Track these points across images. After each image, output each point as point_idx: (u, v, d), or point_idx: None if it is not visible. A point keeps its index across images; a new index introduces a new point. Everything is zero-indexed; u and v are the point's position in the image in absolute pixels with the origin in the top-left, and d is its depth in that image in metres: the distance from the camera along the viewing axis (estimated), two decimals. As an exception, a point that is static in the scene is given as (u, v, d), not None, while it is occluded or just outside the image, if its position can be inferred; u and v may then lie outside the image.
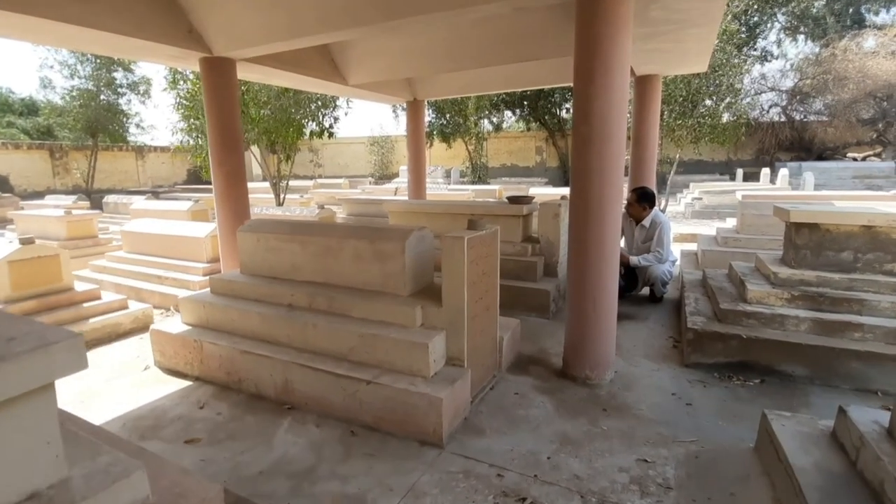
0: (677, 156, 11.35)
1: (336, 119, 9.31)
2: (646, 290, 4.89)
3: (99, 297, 4.29)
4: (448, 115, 19.39)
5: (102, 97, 15.28)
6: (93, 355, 3.80)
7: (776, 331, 3.12)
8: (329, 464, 2.33)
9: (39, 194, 14.09)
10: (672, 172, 11.44)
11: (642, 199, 4.69)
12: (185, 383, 3.25)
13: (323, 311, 3.05)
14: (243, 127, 8.32)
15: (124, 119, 16.40)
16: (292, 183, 17.96)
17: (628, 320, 4.25)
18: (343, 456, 2.39)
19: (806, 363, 2.96)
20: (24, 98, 20.33)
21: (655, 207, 4.74)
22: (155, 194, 13.78)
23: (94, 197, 13.74)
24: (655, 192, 5.04)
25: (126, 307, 4.36)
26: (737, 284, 3.68)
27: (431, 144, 20.23)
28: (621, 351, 3.56)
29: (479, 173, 20.17)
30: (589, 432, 2.52)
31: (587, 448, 2.38)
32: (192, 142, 9.17)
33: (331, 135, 9.39)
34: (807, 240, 3.39)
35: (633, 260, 4.64)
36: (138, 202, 9.95)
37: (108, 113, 15.42)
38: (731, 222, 7.38)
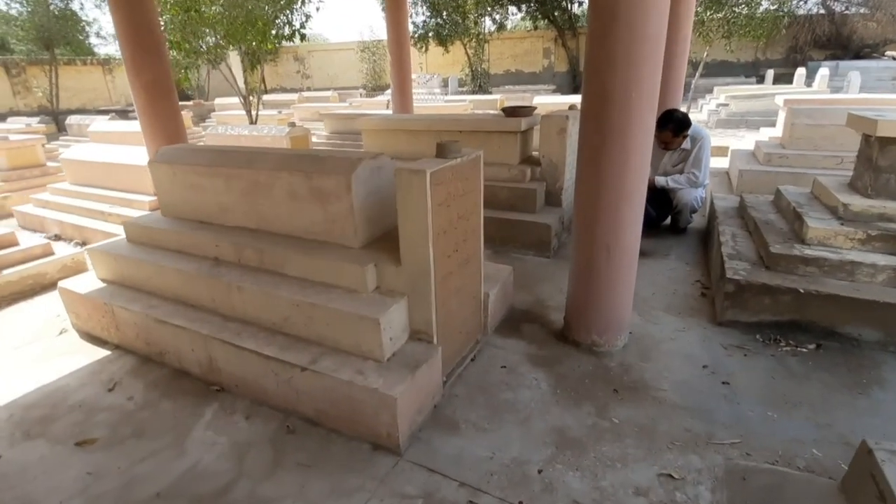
0: (705, 55, 9.89)
1: (307, 16, 7.91)
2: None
3: (16, 243, 3.61)
4: (445, 14, 17.22)
5: (52, 2, 13.42)
6: (9, 314, 3.21)
7: (843, 282, 2.40)
8: (251, 479, 1.77)
9: (1, 116, 12.91)
10: (697, 75, 10.05)
11: (678, 130, 3.70)
12: (102, 353, 2.67)
13: (253, 268, 2.36)
14: (199, 30, 7.08)
15: (81, 27, 14.58)
16: (278, 97, 16.47)
17: (644, 257, 3.52)
18: (271, 466, 1.82)
19: (879, 325, 2.28)
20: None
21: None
22: (124, 113, 12.57)
23: (61, 118, 12.57)
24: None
25: (51, 253, 3.70)
26: (790, 218, 2.90)
27: (426, 49, 18.27)
28: (637, 300, 2.89)
29: (479, 81, 18.38)
30: (595, 427, 1.93)
31: (592, 454, 1.79)
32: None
33: (302, 37, 8.05)
34: (894, 160, 2.55)
35: (660, 181, 3.81)
36: (97, 123, 8.91)
37: (61, 20, 13.64)
38: (765, 133, 6.35)
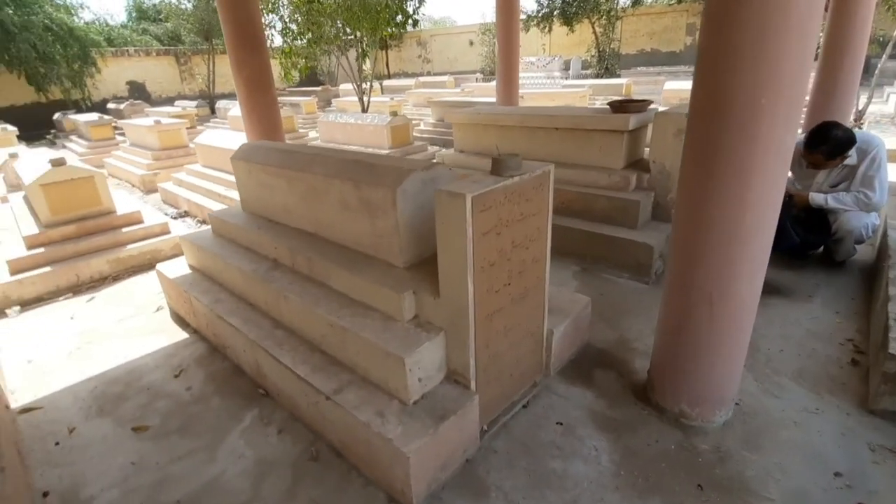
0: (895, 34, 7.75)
1: (421, 2, 7.83)
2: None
3: (140, 221, 4.09)
4: (572, -10, 16.06)
5: (213, -3, 15.29)
6: (126, 285, 3.65)
7: None
8: (261, 507, 1.69)
9: (171, 100, 15.27)
10: (885, 56, 7.95)
11: (834, 153, 2.79)
12: (182, 335, 2.86)
13: (303, 275, 2.28)
14: (320, 20, 7.42)
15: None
16: (397, 83, 16.99)
17: (776, 296, 2.80)
18: (285, 496, 1.73)
19: None
20: (155, 3, 21.47)
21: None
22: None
23: (216, 102, 14.41)
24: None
25: (168, 232, 4.13)
26: None
27: (550, 29, 17.29)
28: (754, 357, 2.27)
29: (606, 63, 16.91)
30: (660, 536, 1.49)
31: (648, 576, 1.38)
32: (286, 43, 8.56)
33: (415, 23, 8.00)
34: None
35: (816, 198, 2.97)
36: (236, 108, 9.98)
37: (216, 14, 15.51)
38: None
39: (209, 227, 3.08)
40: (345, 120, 6.77)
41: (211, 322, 2.58)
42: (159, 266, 3.11)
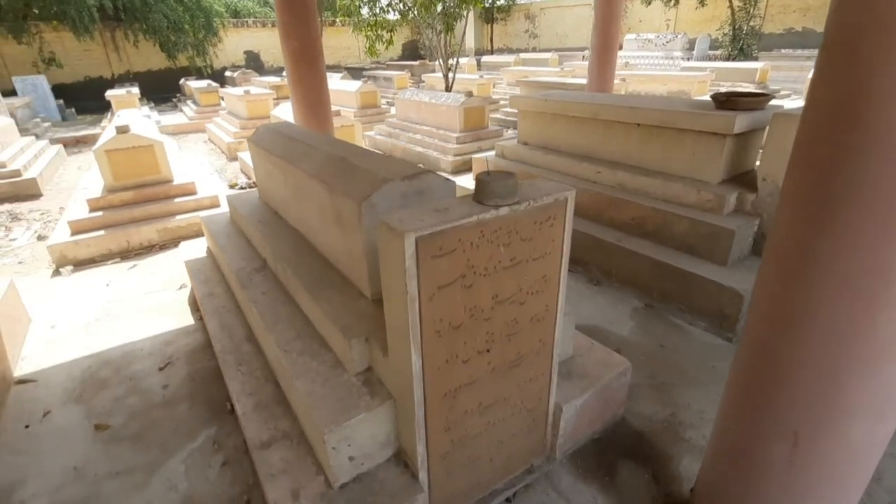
0: None
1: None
2: None
3: (194, 193, 4.14)
4: (710, -44, 13.86)
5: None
6: (167, 256, 3.69)
7: None
8: (161, 567, 1.44)
9: (280, 70, 16.09)
10: None
11: None
12: (189, 321, 2.75)
13: (278, 286, 1.97)
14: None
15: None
16: (496, 59, 16.21)
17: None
18: (189, 559, 1.46)
19: None
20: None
21: None
22: (359, 71, 14.17)
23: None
24: None
25: (218, 205, 4.14)
26: None
27: (677, 2, 15.19)
28: (870, 491, 1.52)
29: (742, 43, 14.48)
30: None
31: None
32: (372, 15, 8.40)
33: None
34: None
35: None
36: (333, 80, 10.11)
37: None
38: None
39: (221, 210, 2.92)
40: (419, 98, 6.41)
41: (207, 313, 2.41)
42: (184, 243, 3.04)
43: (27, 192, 5.58)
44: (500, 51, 22.83)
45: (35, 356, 2.50)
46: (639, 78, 8.88)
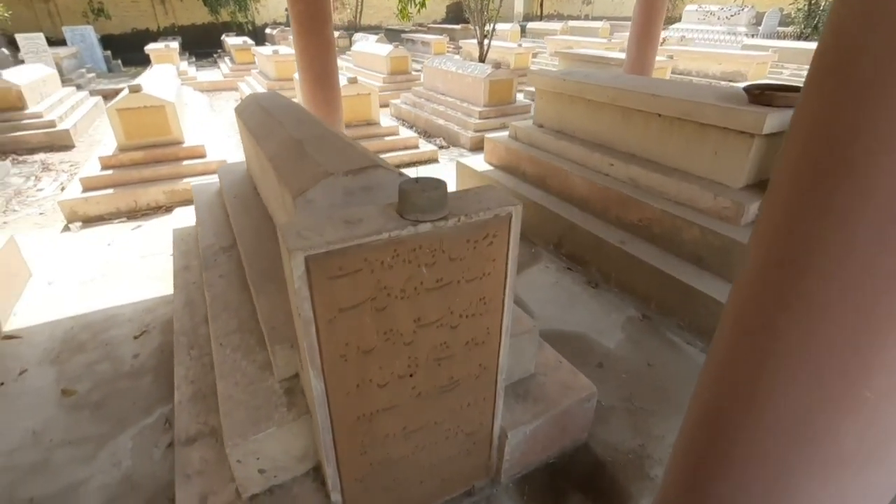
0: None
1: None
2: None
3: (203, 155, 4.13)
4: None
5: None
6: (170, 219, 3.71)
7: None
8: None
9: (323, 29, 15.92)
10: None
11: None
12: (170, 290, 2.77)
13: (225, 277, 1.91)
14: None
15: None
16: (542, 26, 15.35)
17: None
18: (113, 542, 1.46)
19: None
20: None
21: None
22: (397, 33, 13.75)
23: (358, 33, 14.61)
24: None
25: (226, 170, 4.12)
26: None
27: (749, -29, 13.78)
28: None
29: (818, 20, 13.05)
30: None
31: None
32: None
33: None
34: None
35: None
36: (359, 43, 9.87)
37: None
38: None
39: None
40: (446, 67, 6.12)
41: (174, 287, 2.39)
42: (180, 209, 3.03)
43: (60, 142, 5.77)
44: (550, 17, 21.65)
45: (26, 312, 2.58)
46: (690, 55, 8.18)
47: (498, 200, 1.10)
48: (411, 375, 1.18)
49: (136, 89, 3.82)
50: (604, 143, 3.10)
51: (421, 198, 1.00)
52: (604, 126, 3.05)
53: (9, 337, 2.39)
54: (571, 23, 14.43)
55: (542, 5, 21.65)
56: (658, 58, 6.76)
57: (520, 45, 9.12)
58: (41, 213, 4.00)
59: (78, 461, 1.73)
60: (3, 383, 2.10)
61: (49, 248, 3.29)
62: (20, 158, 5.34)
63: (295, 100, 5.08)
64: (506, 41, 11.13)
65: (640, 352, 2.25)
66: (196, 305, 2.05)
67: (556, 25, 14.86)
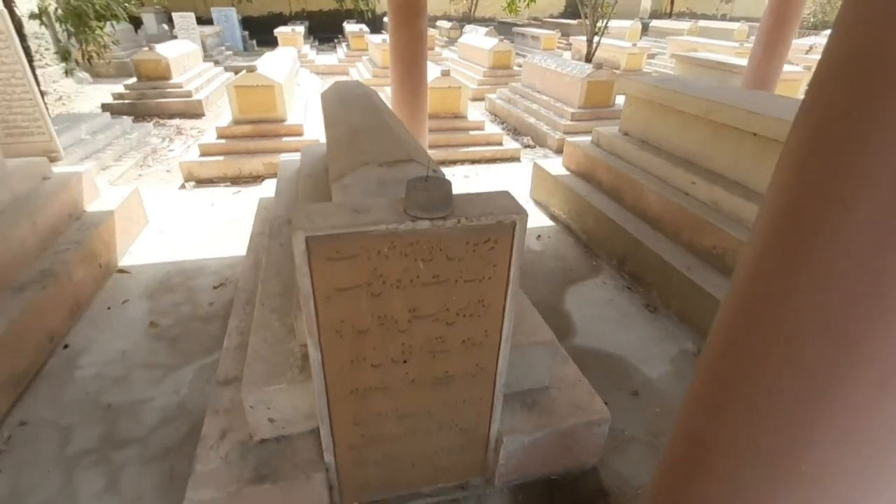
0: None
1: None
2: None
3: (301, 134, 4.52)
4: None
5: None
6: (262, 188, 4.15)
7: None
8: (138, 454, 1.73)
9: (435, 19, 16.27)
10: None
11: None
12: (254, 251, 3.12)
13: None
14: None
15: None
16: (668, 24, 14.26)
17: None
18: (167, 451, 1.73)
19: None
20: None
21: None
22: (509, 26, 13.64)
23: (469, 25, 14.77)
24: None
25: (319, 149, 4.47)
26: None
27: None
28: None
29: None
30: None
31: None
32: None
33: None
34: None
35: None
36: (466, 35, 9.97)
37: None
38: None
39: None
40: (545, 64, 5.99)
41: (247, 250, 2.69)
42: (269, 181, 3.38)
43: (194, 111, 6.65)
44: (681, 15, 20.00)
45: (139, 253, 3.07)
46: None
47: (504, 207, 1.11)
48: (405, 362, 1.24)
49: (251, 69, 4.29)
50: (689, 159, 2.87)
51: (422, 196, 1.04)
52: (692, 141, 2.82)
53: (121, 271, 2.87)
54: (702, 22, 13.23)
55: (672, 2, 20.07)
56: (793, 68, 6.01)
57: (634, 45, 8.59)
58: (168, 171, 4.68)
59: (149, 382, 2.06)
60: (110, 308, 2.54)
61: (167, 201, 3.86)
62: (161, 122, 6.27)
63: (387, 88, 5.31)
64: (622, 39, 10.55)
65: (684, 389, 2.09)
66: (259, 268, 2.30)
67: (684, 24, 13.73)
